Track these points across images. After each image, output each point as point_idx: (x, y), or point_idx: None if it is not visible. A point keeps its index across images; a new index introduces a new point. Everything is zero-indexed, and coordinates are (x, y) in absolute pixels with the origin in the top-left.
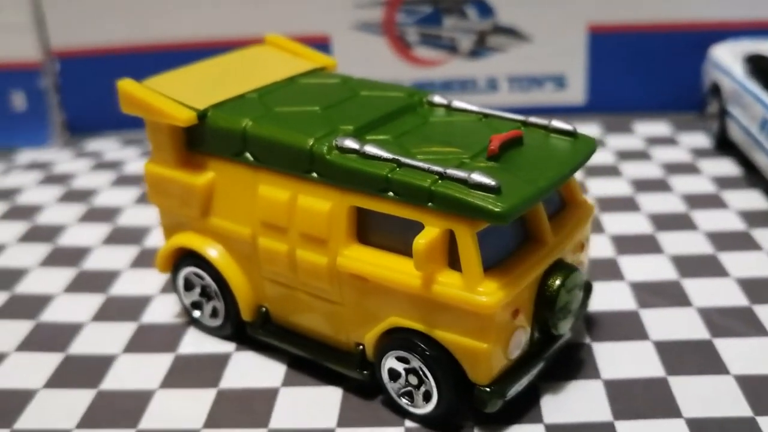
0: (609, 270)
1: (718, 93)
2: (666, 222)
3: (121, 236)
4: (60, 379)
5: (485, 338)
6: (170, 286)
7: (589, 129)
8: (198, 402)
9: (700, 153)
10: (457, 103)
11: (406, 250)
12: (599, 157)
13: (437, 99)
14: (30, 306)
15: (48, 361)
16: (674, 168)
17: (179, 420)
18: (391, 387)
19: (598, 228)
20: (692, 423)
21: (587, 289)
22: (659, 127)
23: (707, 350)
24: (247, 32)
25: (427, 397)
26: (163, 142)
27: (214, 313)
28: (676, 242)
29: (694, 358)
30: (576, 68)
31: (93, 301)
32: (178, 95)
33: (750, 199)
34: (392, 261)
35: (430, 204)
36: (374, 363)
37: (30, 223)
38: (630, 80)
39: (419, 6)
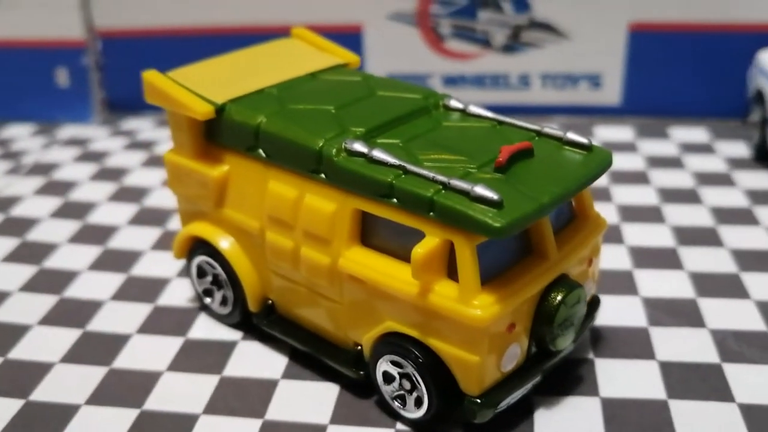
0: (624, 284)
1: (762, 101)
2: (691, 236)
3: (147, 217)
4: (76, 354)
5: (477, 351)
6: (186, 271)
7: (622, 132)
8: (200, 387)
9: (737, 163)
10: (473, 109)
11: (406, 256)
12: (629, 163)
13: (453, 103)
14: (56, 281)
15: (67, 336)
16: (707, 178)
17: (181, 403)
18: (385, 390)
19: (617, 238)
20: None
21: (593, 304)
22: (696, 134)
23: (715, 375)
24: (283, 19)
25: (418, 402)
26: (182, 133)
27: (224, 301)
28: (699, 259)
29: (699, 382)
30: (613, 67)
31: (115, 280)
32: (200, 88)
33: None
34: (392, 266)
35: (431, 213)
36: (370, 364)
37: (63, 198)
38: (669, 82)
39: None
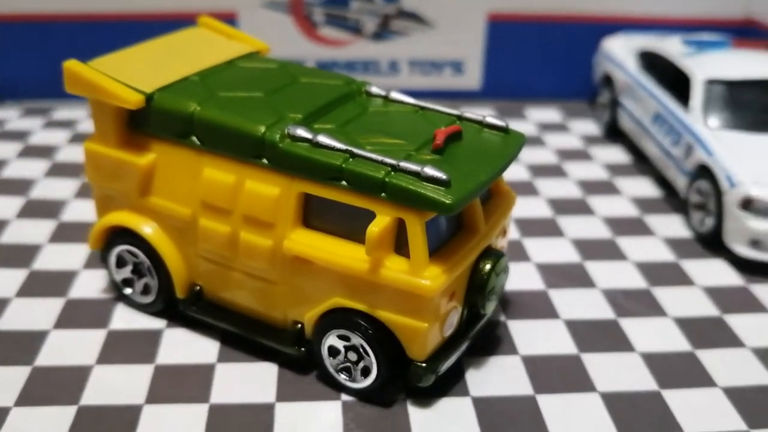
0: (517, 252)
1: (610, 84)
2: (565, 207)
3: (36, 209)
4: None
5: (426, 318)
6: (94, 261)
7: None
8: (136, 377)
9: (591, 140)
10: (394, 95)
11: (350, 235)
12: None
13: (374, 89)
14: None
15: None
16: (568, 154)
17: (120, 396)
18: (330, 363)
19: None
20: (606, 397)
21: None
22: (550, 114)
23: (614, 329)
24: (158, 6)
25: (365, 372)
26: (106, 123)
27: (146, 290)
28: (576, 226)
29: (602, 336)
30: (473, 55)
31: (17, 276)
32: (124, 77)
33: (641, 186)
34: (338, 245)
35: (383, 194)
36: (312, 340)
37: None
38: (523, 68)
39: None
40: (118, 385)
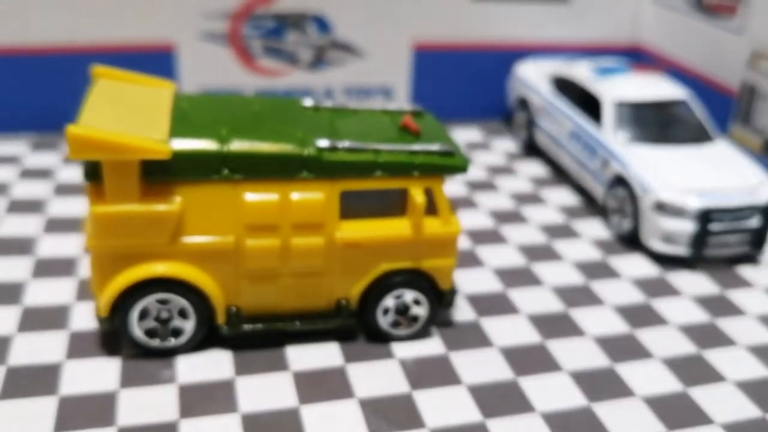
0: (472, 259)
1: (526, 106)
2: (503, 217)
3: (7, 248)
4: (13, 390)
5: (453, 254)
6: (84, 294)
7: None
8: (164, 397)
9: (512, 156)
10: (327, 103)
11: (381, 213)
12: None
13: (308, 102)
14: None
15: None
16: (496, 170)
17: (153, 414)
18: (384, 322)
19: None
20: (573, 375)
21: None
22: (473, 134)
23: (565, 319)
24: (94, 38)
25: (413, 319)
26: (124, 181)
27: (175, 333)
28: (518, 235)
29: (560, 325)
30: (401, 81)
31: (11, 313)
32: (124, 131)
33: (562, 195)
34: (377, 224)
35: (415, 173)
36: (359, 309)
37: None
38: (445, 92)
39: (264, 20)
40: (148, 405)
